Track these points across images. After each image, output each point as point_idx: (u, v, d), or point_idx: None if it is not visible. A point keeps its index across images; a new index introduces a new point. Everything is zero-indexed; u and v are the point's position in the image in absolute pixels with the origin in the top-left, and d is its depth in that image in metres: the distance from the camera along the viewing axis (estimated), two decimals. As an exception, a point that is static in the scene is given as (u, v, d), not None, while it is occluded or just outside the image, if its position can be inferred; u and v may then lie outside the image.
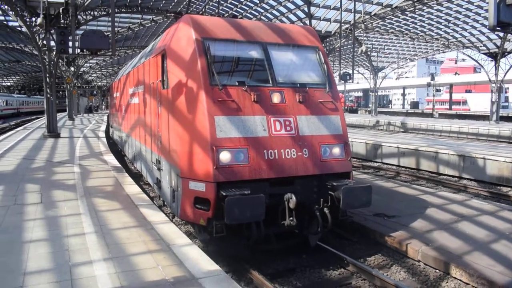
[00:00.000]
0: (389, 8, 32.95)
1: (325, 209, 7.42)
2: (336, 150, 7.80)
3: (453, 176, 17.62)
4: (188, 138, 7.39)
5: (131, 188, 10.08)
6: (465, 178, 17.15)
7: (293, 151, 7.33)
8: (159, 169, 9.27)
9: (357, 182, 7.91)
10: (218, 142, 6.91)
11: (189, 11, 32.22)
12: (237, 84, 7.49)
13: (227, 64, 8.03)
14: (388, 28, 41.15)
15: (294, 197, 7.02)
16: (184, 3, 32.38)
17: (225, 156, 6.87)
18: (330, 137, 7.84)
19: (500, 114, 44.18)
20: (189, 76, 7.56)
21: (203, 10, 31.83)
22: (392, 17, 36.05)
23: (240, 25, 8.35)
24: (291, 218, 7.16)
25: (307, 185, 7.51)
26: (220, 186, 6.77)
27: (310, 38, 8.86)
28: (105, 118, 41.97)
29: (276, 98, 7.59)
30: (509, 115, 55.84)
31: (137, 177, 14.07)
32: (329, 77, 8.40)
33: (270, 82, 7.75)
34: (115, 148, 20.94)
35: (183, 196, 7.36)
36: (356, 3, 27.10)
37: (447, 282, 6.76)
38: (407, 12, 34.03)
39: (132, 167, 16.95)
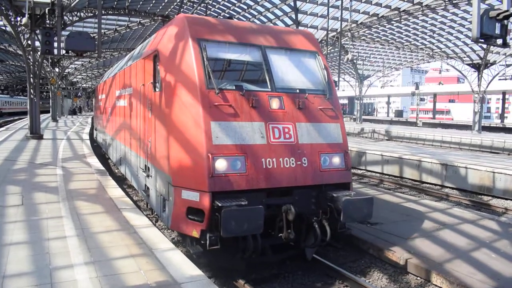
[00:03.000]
0: (375, 18, 33.38)
1: (324, 221, 7.09)
2: (336, 160, 7.49)
3: (436, 185, 17.84)
4: (181, 144, 6.97)
5: (114, 191, 9.98)
6: (447, 187, 17.38)
7: (292, 160, 7.00)
8: (148, 176, 8.78)
9: (357, 193, 7.60)
10: (214, 149, 6.54)
11: (177, 14, 32.18)
12: (234, 88, 7.12)
13: (224, 67, 7.66)
14: (374, 37, 41.63)
15: (293, 209, 6.75)
16: (172, 6, 32.34)
17: (221, 164, 6.50)
18: (330, 146, 7.51)
19: (482, 124, 44.90)
20: (184, 79, 7.17)
21: (191, 14, 31.77)
22: (378, 26, 36.52)
23: (237, 27, 8.03)
24: (289, 231, 6.90)
25: (305, 196, 7.17)
26: (215, 196, 6.38)
27: (310, 43, 8.53)
28: (89, 120, 41.55)
29: (275, 103, 7.25)
30: (491, 125, 56.83)
31: (121, 180, 13.94)
32: (329, 84, 8.09)
33: (269, 87, 7.40)
34: (99, 151, 20.63)
35: (174, 206, 6.93)
36: (343, 11, 27.37)
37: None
38: (393, 22, 34.51)
39: (116, 170, 16.80)
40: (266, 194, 6.83)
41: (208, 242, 6.31)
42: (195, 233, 6.56)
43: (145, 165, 8.98)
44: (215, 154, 6.50)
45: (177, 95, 7.24)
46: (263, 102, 7.16)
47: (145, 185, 9.16)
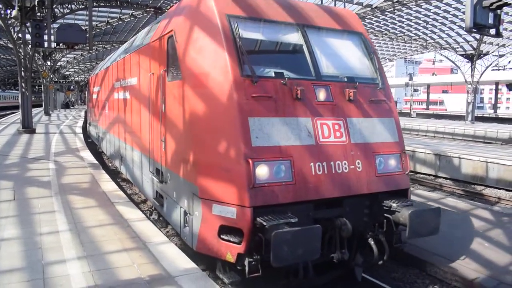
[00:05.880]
0: (369, 8, 33.24)
1: (380, 236, 6.04)
2: (393, 162, 6.35)
3: (429, 175, 17.90)
4: (210, 146, 5.73)
5: (108, 185, 9.92)
6: (441, 177, 17.45)
7: (345, 163, 5.83)
8: (161, 181, 7.47)
9: (417, 203, 6.54)
10: (254, 152, 5.30)
11: (169, 7, 31.87)
12: (274, 76, 5.89)
13: (260, 51, 6.41)
14: (368, 28, 41.51)
15: (348, 224, 5.67)
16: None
17: (263, 171, 5.28)
18: (385, 146, 6.37)
19: (476, 115, 45.16)
20: (211, 65, 5.91)
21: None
22: (372, 17, 36.39)
23: (270, 1, 6.68)
24: (343, 250, 5.82)
25: (358, 206, 6.05)
26: (256, 211, 5.17)
27: (353, 22, 7.28)
28: (82, 113, 41.33)
29: (321, 95, 6.02)
30: (484, 115, 57.14)
31: (114, 174, 13.87)
32: (380, 71, 6.88)
33: (313, 74, 6.14)
34: (94, 147, 20.13)
35: (202, 223, 5.67)
36: (337, 2, 27.29)
37: (422, 280, 6.85)
38: (386, 13, 34.40)
39: (110, 164, 16.72)
40: (313, 206, 5.67)
41: (247, 268, 5.15)
42: (230, 257, 5.33)
43: (157, 169, 7.74)
44: (255, 158, 5.27)
45: (203, 84, 5.98)
46: (308, 93, 5.92)
47: (157, 192, 7.95)
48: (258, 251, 5.12)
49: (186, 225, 6.31)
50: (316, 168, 5.61)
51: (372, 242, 6.00)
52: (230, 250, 5.31)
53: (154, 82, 7.91)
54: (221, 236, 5.42)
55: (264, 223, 4.96)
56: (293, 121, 5.70)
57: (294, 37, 6.44)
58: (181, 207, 6.50)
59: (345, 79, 6.43)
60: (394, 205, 5.92)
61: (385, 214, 6.02)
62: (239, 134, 5.35)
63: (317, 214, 5.68)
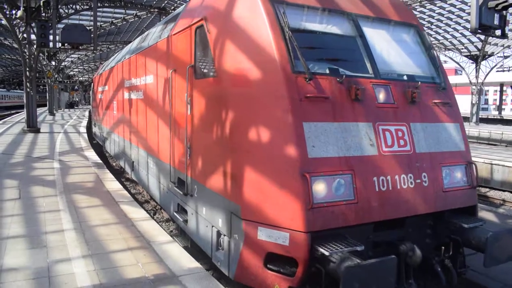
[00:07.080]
0: (373, 9, 33.21)
1: (447, 262, 5.15)
2: (459, 175, 5.60)
3: (434, 176, 17.84)
4: (256, 157, 4.82)
5: (112, 184, 9.95)
6: (445, 178, 17.39)
7: (410, 177, 5.00)
8: (186, 194, 6.58)
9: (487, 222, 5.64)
10: (311, 165, 4.43)
11: (173, 8, 31.95)
12: (328, 73, 5.03)
13: (309, 43, 5.30)
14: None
15: (417, 251, 4.73)
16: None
17: (320, 188, 4.43)
18: (451, 155, 5.56)
19: (480, 116, 44.98)
20: (254, 58, 5.03)
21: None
22: (376, 18, 36.36)
23: None
24: (410, 281, 4.82)
25: (421, 226, 5.25)
26: (313, 237, 4.32)
27: (407, 13, 6.43)
28: (87, 113, 41.49)
29: (381, 95, 5.18)
30: (489, 117, 56.91)
31: (118, 174, 13.91)
32: (441, 69, 6.10)
33: (370, 72, 5.30)
34: (100, 149, 19.78)
35: (245, 248, 4.78)
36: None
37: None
38: (390, 13, 34.37)
39: (114, 163, 16.75)
40: (373, 227, 4.83)
41: None
42: None
43: (180, 179, 6.95)
44: (313, 173, 4.40)
45: (245, 82, 5.09)
46: (367, 94, 5.09)
47: (178, 204, 7.17)
48: (313, 284, 4.40)
49: (220, 248, 5.46)
50: (380, 183, 4.79)
51: (439, 269, 5.06)
52: (279, 282, 4.52)
53: (177, 80, 7.02)
54: (268, 265, 4.60)
55: (326, 253, 4.11)
56: (353, 126, 4.85)
57: (346, 28, 5.58)
58: (213, 226, 5.63)
59: (405, 78, 5.66)
60: (465, 225, 5.16)
61: (452, 235, 5.28)
62: (293, 143, 4.47)
63: (377, 236, 4.85)
